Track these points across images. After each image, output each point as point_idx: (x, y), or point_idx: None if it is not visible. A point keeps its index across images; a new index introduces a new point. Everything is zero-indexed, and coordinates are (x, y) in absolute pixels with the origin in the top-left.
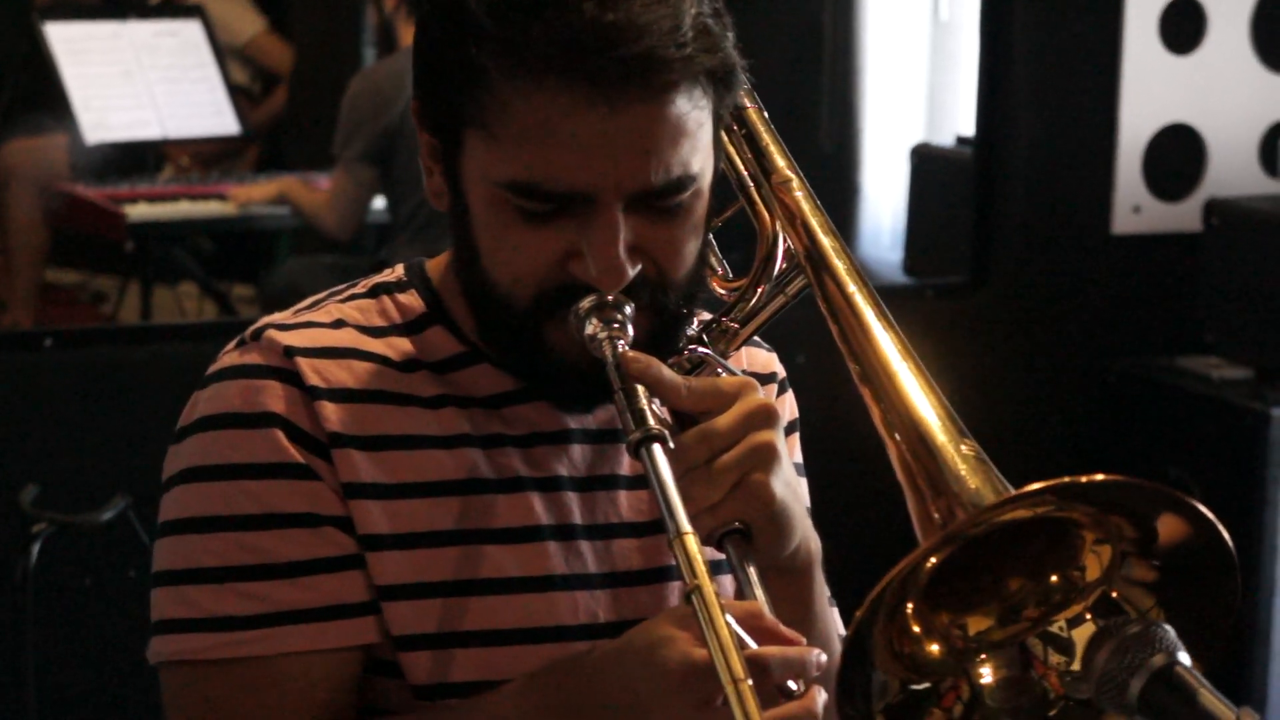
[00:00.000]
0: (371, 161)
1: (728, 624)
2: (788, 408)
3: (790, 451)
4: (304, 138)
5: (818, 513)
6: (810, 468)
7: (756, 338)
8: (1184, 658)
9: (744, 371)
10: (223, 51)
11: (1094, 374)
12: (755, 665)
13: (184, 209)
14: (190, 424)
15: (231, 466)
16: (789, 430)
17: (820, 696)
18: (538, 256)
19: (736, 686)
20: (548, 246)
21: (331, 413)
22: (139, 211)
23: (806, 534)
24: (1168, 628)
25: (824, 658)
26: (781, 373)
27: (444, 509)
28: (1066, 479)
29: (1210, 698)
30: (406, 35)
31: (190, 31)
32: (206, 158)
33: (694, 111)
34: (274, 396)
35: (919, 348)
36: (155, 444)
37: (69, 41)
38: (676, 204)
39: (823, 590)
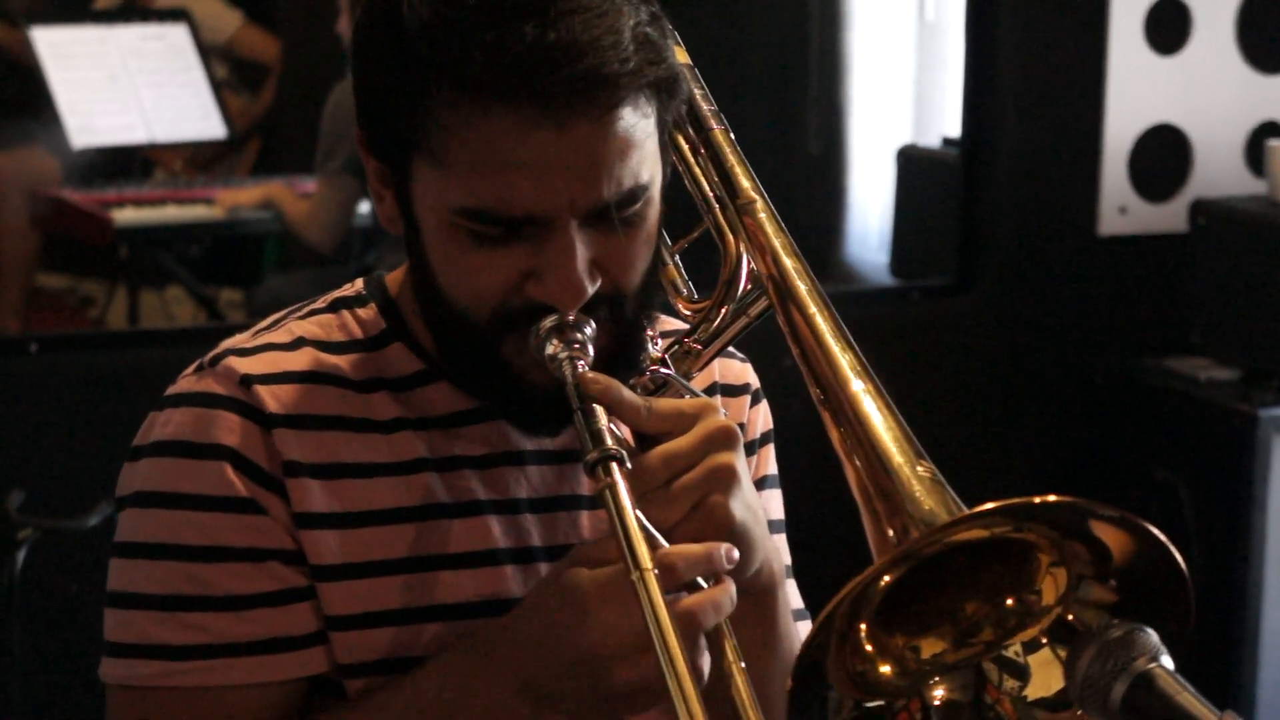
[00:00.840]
0: (354, 173)
1: (638, 519)
2: (760, 419)
3: (763, 463)
4: (294, 139)
5: (804, 518)
6: (798, 473)
7: (730, 348)
8: (1167, 661)
9: (716, 383)
10: (209, 54)
11: (1081, 375)
12: (663, 565)
13: (171, 213)
14: (145, 445)
15: (179, 496)
16: (763, 441)
17: (730, 588)
18: (495, 279)
19: (642, 575)
20: (505, 269)
21: (289, 439)
22: (126, 216)
23: (769, 554)
24: (1150, 631)
25: (735, 552)
26: (755, 384)
27: (400, 536)
28: (1018, 500)
29: (1194, 701)
30: None
31: (176, 35)
32: (201, 161)
33: (641, 122)
34: (226, 428)
35: (905, 350)
36: None
37: (55, 46)
38: (630, 215)
39: (787, 608)
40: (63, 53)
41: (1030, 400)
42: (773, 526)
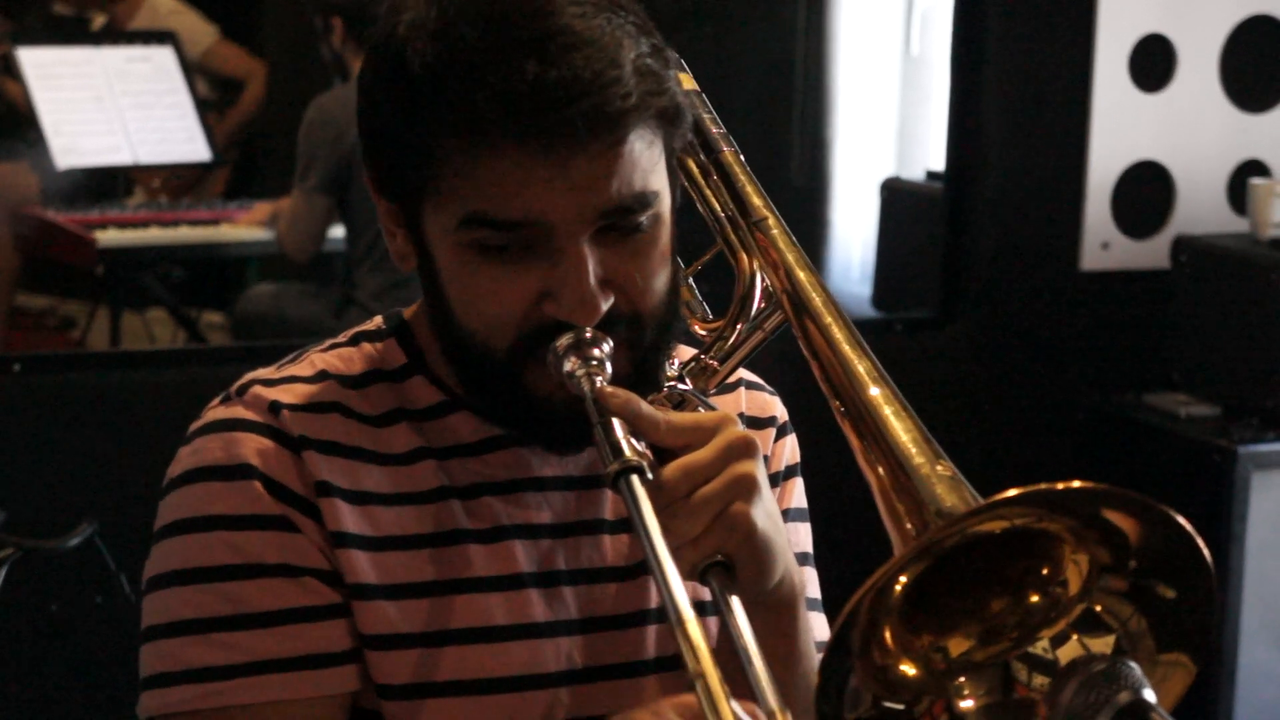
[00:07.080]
0: (326, 191)
1: (733, 712)
2: (786, 452)
3: (788, 496)
4: (276, 163)
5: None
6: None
7: (759, 379)
8: (1149, 695)
9: (743, 414)
10: (194, 77)
11: (1061, 410)
12: None
13: (154, 235)
14: (173, 479)
15: (209, 518)
16: (788, 474)
17: None
18: (511, 299)
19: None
20: (519, 288)
21: (319, 462)
22: (109, 237)
23: (789, 567)
24: (1133, 664)
25: None
26: (782, 417)
27: (426, 561)
28: (1042, 486)
29: None
30: (357, 66)
31: (162, 58)
32: (177, 181)
33: (647, 150)
34: (254, 449)
35: None
36: (123, 470)
37: (41, 66)
38: (639, 224)
39: (808, 626)
40: (48, 73)
41: (1010, 434)
42: (800, 559)
